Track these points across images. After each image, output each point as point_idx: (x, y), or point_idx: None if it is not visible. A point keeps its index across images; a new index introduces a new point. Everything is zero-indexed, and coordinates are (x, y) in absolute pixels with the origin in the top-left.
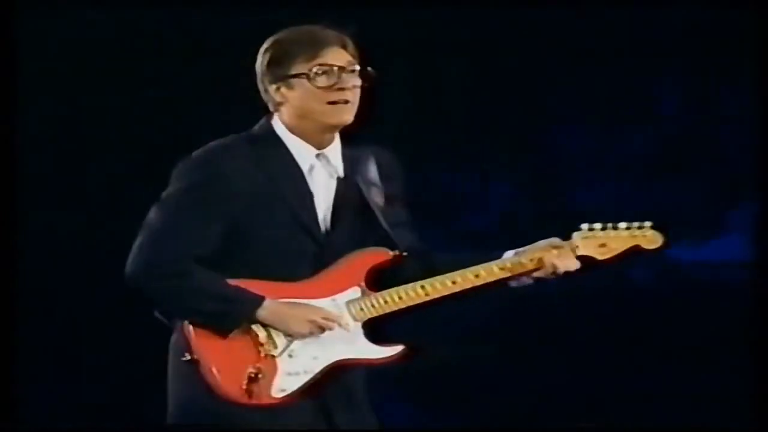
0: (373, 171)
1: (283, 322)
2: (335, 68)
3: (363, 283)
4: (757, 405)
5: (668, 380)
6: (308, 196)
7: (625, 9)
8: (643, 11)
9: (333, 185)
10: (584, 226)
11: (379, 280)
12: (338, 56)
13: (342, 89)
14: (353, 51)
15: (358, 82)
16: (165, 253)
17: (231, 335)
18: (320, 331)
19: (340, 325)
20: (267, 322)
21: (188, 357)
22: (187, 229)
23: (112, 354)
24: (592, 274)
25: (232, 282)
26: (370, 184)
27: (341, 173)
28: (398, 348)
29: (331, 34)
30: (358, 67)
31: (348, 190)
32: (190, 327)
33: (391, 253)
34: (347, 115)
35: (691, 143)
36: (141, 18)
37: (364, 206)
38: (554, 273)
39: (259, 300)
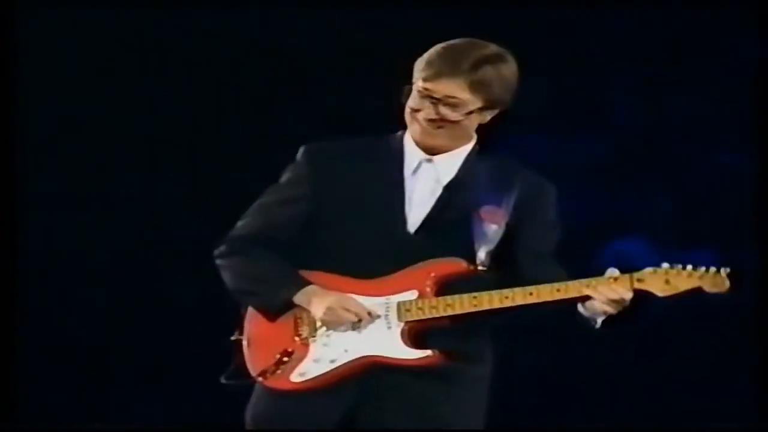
0: (491, 185)
1: (310, 306)
2: (427, 95)
3: (427, 288)
4: (757, 405)
5: (669, 380)
6: (401, 197)
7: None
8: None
9: (438, 191)
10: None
11: (453, 290)
12: (445, 85)
13: (423, 115)
14: (474, 78)
15: (449, 115)
16: (234, 233)
17: (280, 319)
18: (340, 320)
19: (360, 319)
20: (303, 306)
21: (236, 336)
22: (266, 213)
23: (112, 354)
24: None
25: (306, 273)
26: (480, 195)
27: (446, 181)
28: (427, 352)
29: (452, 55)
30: (457, 102)
31: (455, 197)
32: (248, 309)
33: (465, 264)
34: (428, 140)
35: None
36: (141, 18)
37: (467, 217)
38: (608, 301)
39: (300, 284)
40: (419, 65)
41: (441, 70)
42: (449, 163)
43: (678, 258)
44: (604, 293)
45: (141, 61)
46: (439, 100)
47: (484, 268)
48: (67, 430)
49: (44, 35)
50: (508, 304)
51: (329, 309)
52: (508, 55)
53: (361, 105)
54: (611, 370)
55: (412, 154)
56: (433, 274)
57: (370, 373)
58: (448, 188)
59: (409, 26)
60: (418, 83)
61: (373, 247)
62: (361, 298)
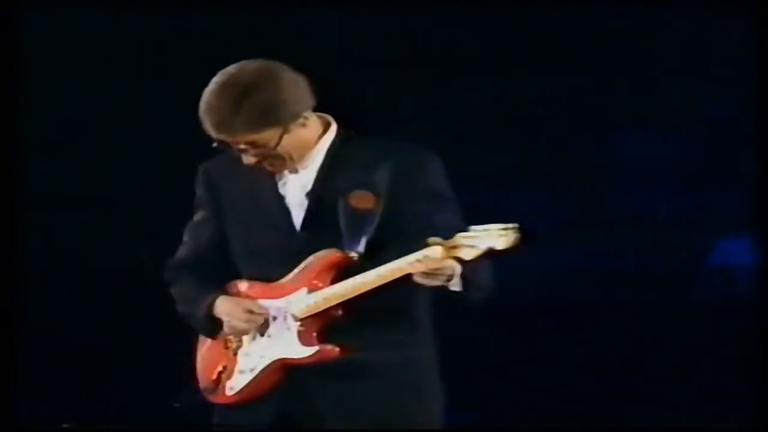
0: (360, 169)
1: (223, 317)
2: (240, 149)
3: (314, 283)
4: (757, 405)
5: (669, 381)
6: (279, 199)
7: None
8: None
9: (305, 195)
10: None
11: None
12: (236, 139)
13: (259, 162)
14: (250, 124)
15: (264, 153)
16: (171, 260)
17: (218, 336)
18: (239, 325)
19: (253, 321)
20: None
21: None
22: (191, 236)
23: (112, 354)
24: (594, 277)
25: (232, 285)
26: (349, 182)
27: (311, 181)
28: (315, 348)
29: (218, 113)
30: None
31: (325, 192)
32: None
33: (338, 254)
34: (275, 171)
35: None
36: (141, 17)
37: (340, 208)
38: (429, 275)
39: (213, 298)
40: None
41: (217, 131)
42: (310, 163)
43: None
44: (418, 268)
45: (141, 61)
46: (240, 149)
47: (355, 255)
48: (67, 430)
49: (45, 35)
50: (358, 289)
51: (227, 315)
52: (272, 71)
53: (362, 105)
54: (611, 369)
55: None
56: (316, 269)
57: (296, 379)
58: (314, 187)
59: (409, 26)
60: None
61: (269, 249)
62: (267, 302)
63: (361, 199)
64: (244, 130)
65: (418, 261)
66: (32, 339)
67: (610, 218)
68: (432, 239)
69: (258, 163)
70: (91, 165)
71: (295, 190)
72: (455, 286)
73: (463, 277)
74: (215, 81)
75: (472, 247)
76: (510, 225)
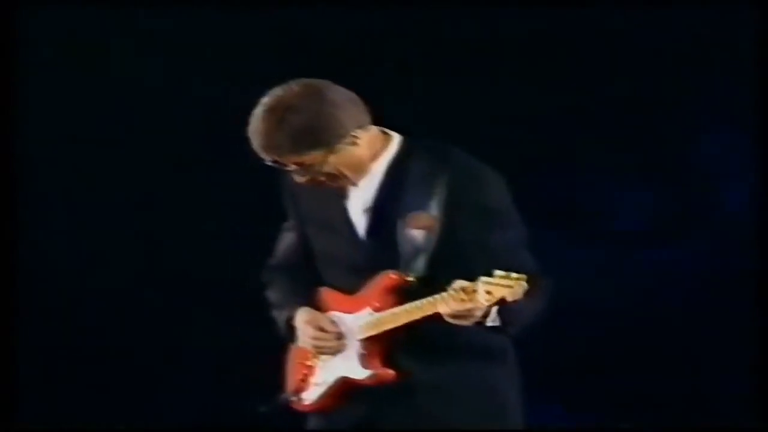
0: (417, 188)
1: (297, 331)
2: (289, 170)
3: (376, 304)
4: (757, 405)
5: (669, 380)
6: (343, 210)
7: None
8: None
9: (367, 209)
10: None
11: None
12: (284, 161)
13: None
14: (294, 148)
15: (311, 175)
16: (265, 264)
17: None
18: (308, 342)
19: (321, 340)
20: None
21: None
22: (282, 240)
23: (112, 354)
24: (595, 277)
25: (322, 290)
26: (407, 201)
27: (370, 198)
28: (369, 372)
29: (265, 138)
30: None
31: (385, 208)
32: None
33: (392, 275)
34: (334, 186)
35: None
36: (142, 17)
37: (398, 229)
38: (457, 315)
39: (294, 306)
40: None
41: (264, 152)
42: (371, 178)
43: None
44: (451, 307)
45: (142, 61)
46: (292, 170)
47: (412, 279)
48: (67, 430)
49: (45, 35)
50: (407, 317)
51: (299, 331)
52: (314, 92)
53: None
54: (611, 369)
55: None
56: (377, 290)
57: (367, 398)
58: (375, 202)
59: (413, 26)
60: None
61: (340, 257)
62: (341, 316)
63: (419, 221)
64: (287, 152)
65: (445, 303)
66: (32, 339)
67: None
68: (456, 282)
69: (309, 181)
70: (91, 165)
71: (357, 203)
72: (492, 321)
73: (500, 313)
74: (262, 102)
75: (488, 293)
76: (519, 275)
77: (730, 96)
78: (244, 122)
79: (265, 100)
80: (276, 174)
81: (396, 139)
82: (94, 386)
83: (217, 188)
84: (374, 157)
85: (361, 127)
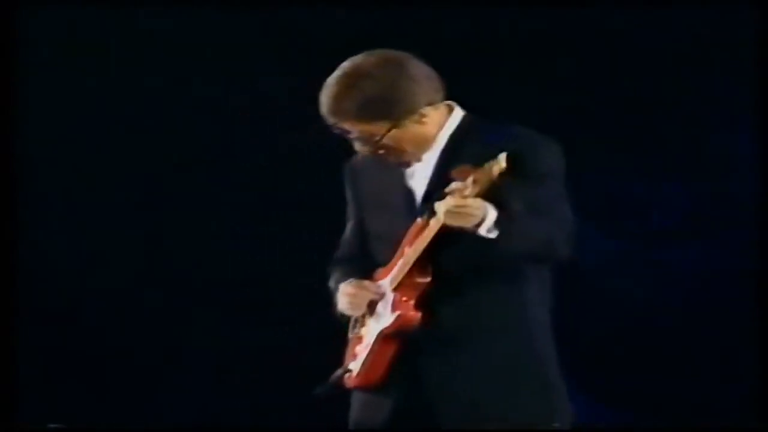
0: (474, 157)
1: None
2: (351, 137)
3: (407, 249)
4: (757, 405)
5: (669, 380)
6: (406, 192)
7: None
8: None
9: (427, 179)
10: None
11: (447, 256)
12: (346, 127)
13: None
14: (360, 114)
15: (372, 146)
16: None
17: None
18: (345, 305)
19: (356, 297)
20: None
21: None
22: (345, 232)
23: (112, 354)
24: (594, 277)
25: (374, 273)
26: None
27: (431, 170)
28: (396, 313)
29: (333, 101)
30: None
31: (443, 178)
32: None
33: (418, 221)
34: (392, 161)
35: None
36: (142, 17)
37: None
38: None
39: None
40: None
41: (330, 115)
42: (433, 152)
43: None
44: (447, 205)
45: (142, 60)
46: (352, 137)
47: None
48: (67, 430)
49: (45, 35)
50: (422, 244)
51: (340, 298)
52: (392, 62)
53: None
54: (610, 369)
55: None
56: (407, 241)
57: (407, 363)
58: (434, 171)
59: (413, 26)
60: None
61: (392, 232)
62: (382, 282)
63: (460, 171)
64: (352, 118)
65: (441, 205)
66: (32, 339)
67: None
68: (452, 183)
69: (371, 153)
70: (92, 165)
71: (420, 178)
72: (487, 231)
73: (497, 223)
74: (340, 66)
75: (475, 182)
76: (499, 155)
77: (730, 96)
78: (244, 122)
79: (343, 65)
80: (275, 174)
81: (458, 113)
82: (94, 386)
83: (217, 188)
84: (437, 131)
85: (431, 104)
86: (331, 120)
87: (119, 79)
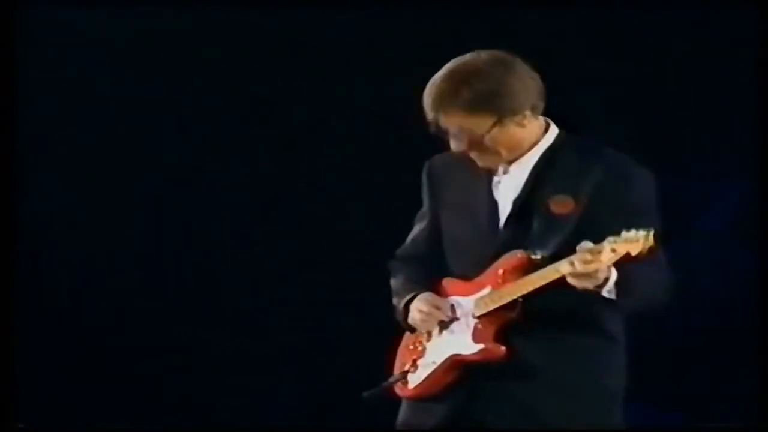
0: (567, 175)
1: (410, 312)
2: (447, 133)
3: (498, 282)
4: (757, 405)
5: (669, 380)
6: (490, 202)
7: None
8: None
9: (515, 194)
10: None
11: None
12: (448, 119)
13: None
14: (469, 104)
15: (464, 144)
16: (395, 254)
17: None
18: (420, 321)
19: (431, 317)
20: None
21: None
22: (413, 231)
23: (112, 354)
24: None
25: (443, 280)
26: (555, 187)
27: (522, 181)
28: (479, 346)
29: (442, 87)
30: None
31: (533, 196)
32: None
33: (519, 255)
34: (482, 164)
35: None
36: (142, 17)
37: (538, 211)
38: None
39: (415, 294)
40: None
41: (434, 109)
42: (524, 166)
43: None
44: (576, 267)
45: (142, 60)
46: (452, 135)
47: (539, 257)
48: (67, 430)
49: (45, 35)
50: (522, 288)
51: (412, 310)
52: (506, 62)
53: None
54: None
55: None
56: (501, 270)
57: (470, 381)
58: (524, 187)
59: (412, 25)
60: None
61: (473, 246)
62: (457, 299)
63: (560, 204)
64: (457, 110)
65: (570, 263)
66: (32, 339)
67: None
68: (583, 243)
69: (466, 150)
70: (91, 165)
71: (507, 191)
72: (608, 293)
73: (617, 284)
74: (447, 65)
75: (613, 251)
76: (646, 231)
77: (730, 96)
78: (244, 122)
79: (450, 63)
80: (275, 174)
81: (554, 131)
82: (94, 386)
83: (217, 187)
84: (532, 145)
85: (534, 109)
86: (434, 115)
87: (119, 79)
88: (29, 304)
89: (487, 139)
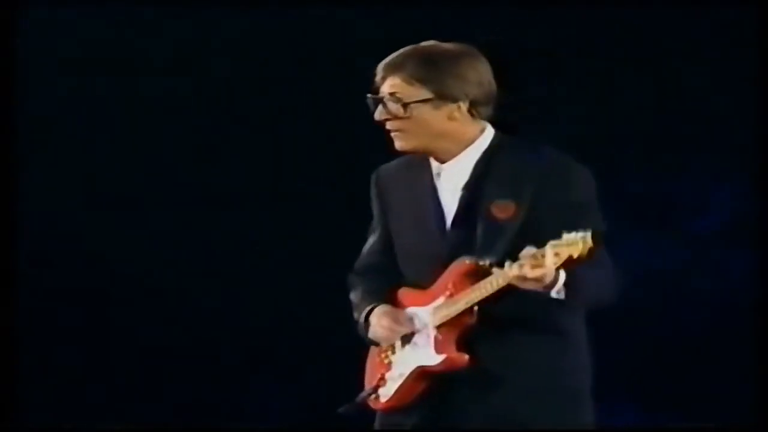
0: (508, 177)
1: (370, 326)
2: (381, 97)
3: (449, 292)
4: (757, 405)
5: (669, 380)
6: (435, 204)
7: None
8: None
9: (458, 193)
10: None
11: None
12: (390, 83)
13: (377, 118)
14: (414, 72)
15: (393, 109)
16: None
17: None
18: (380, 335)
19: (393, 331)
20: None
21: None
22: (367, 243)
23: (112, 354)
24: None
25: (398, 290)
26: (495, 190)
27: (462, 183)
28: (443, 356)
29: (398, 56)
30: (401, 93)
31: (471, 197)
32: None
33: (468, 262)
34: (398, 143)
35: None
36: (142, 17)
37: (480, 216)
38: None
39: (373, 307)
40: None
41: (387, 70)
42: (462, 166)
43: None
44: (522, 273)
45: (142, 60)
46: (384, 100)
47: (485, 264)
48: (67, 430)
49: (45, 35)
50: (480, 293)
51: (373, 325)
52: (467, 53)
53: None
54: (610, 369)
55: (432, 162)
56: (451, 279)
57: (441, 391)
58: (465, 189)
59: (412, 26)
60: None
61: (422, 249)
62: (414, 310)
63: (502, 209)
64: (400, 76)
65: (519, 267)
66: (32, 339)
67: None
68: (526, 249)
69: (388, 118)
70: (91, 164)
71: (450, 193)
72: (557, 294)
73: (566, 285)
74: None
75: (556, 255)
76: (584, 232)
77: (730, 96)
78: (244, 121)
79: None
80: (275, 174)
81: (490, 131)
82: (94, 386)
83: (217, 186)
84: (467, 143)
85: (474, 106)
86: (379, 78)
87: (119, 79)
88: (29, 304)
89: (414, 114)
